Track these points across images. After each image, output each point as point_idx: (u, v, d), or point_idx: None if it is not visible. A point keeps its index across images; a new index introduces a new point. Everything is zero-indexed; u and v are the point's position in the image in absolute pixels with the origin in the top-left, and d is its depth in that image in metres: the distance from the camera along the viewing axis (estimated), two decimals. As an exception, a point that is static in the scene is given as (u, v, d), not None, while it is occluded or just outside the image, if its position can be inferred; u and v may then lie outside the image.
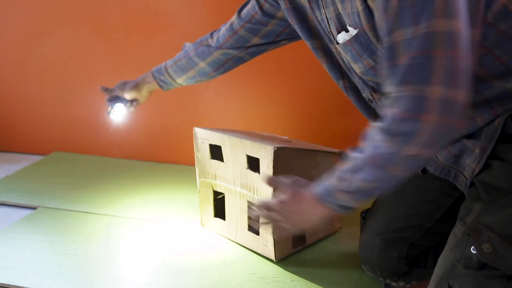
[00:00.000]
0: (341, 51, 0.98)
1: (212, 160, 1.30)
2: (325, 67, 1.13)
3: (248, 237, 1.26)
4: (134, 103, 1.44)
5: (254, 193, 1.21)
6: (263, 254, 1.24)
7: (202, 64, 1.31)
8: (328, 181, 0.89)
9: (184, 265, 1.21)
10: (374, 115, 1.09)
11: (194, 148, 1.34)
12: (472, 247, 0.85)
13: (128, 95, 1.41)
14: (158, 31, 1.75)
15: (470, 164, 0.93)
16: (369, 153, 0.82)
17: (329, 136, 1.67)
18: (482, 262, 0.84)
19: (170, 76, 1.36)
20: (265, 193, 1.17)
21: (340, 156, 1.30)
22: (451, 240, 0.92)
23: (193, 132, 1.33)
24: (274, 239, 1.18)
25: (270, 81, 1.69)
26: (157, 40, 1.76)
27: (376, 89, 1.01)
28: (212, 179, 1.32)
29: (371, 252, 1.10)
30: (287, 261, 1.22)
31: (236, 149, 1.22)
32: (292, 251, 1.24)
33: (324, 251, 1.27)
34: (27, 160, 1.96)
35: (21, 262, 1.23)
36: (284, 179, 0.96)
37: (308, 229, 0.98)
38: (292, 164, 1.18)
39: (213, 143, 1.28)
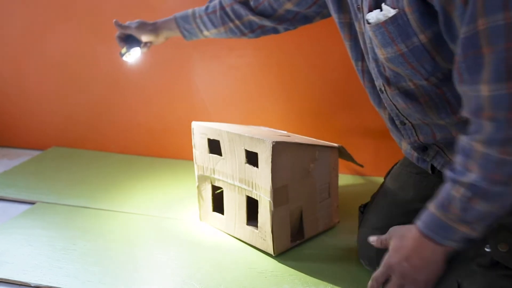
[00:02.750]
0: (371, 32, 0.90)
1: (210, 154, 1.30)
2: (346, 45, 1.09)
3: (247, 232, 1.26)
4: (148, 45, 1.36)
5: (252, 188, 1.21)
6: (262, 249, 1.24)
7: (237, 22, 1.24)
8: (435, 215, 0.81)
9: (182, 259, 1.22)
10: (384, 107, 1.06)
11: (192, 143, 1.34)
12: (487, 245, 0.84)
13: (144, 38, 1.33)
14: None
15: None
16: (484, 170, 0.75)
17: (328, 131, 1.67)
18: (495, 261, 0.83)
19: (198, 27, 1.28)
20: (264, 187, 1.17)
21: (339, 150, 1.30)
22: None
23: (191, 126, 1.33)
24: (272, 233, 1.19)
25: (269, 76, 1.69)
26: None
27: (391, 81, 0.97)
28: (211, 174, 1.32)
29: (369, 246, 1.09)
30: (286, 256, 1.22)
31: (235, 144, 1.22)
32: (290, 246, 1.24)
33: (323, 245, 1.27)
34: (26, 155, 1.95)
35: (20, 257, 1.23)
36: (382, 239, 0.91)
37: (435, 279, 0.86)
38: (291, 158, 1.18)
39: (211, 137, 1.28)
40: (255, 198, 1.21)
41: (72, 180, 1.69)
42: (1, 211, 1.50)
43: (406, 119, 1.02)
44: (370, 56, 0.99)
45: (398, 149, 1.59)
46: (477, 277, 0.84)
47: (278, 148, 1.13)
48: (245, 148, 1.20)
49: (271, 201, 1.16)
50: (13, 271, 1.17)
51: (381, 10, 0.86)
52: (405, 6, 0.82)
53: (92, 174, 1.74)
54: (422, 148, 1.06)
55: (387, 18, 0.85)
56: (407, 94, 0.97)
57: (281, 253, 1.23)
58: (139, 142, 1.91)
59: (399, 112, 1.02)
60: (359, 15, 0.96)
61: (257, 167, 1.18)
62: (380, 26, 0.87)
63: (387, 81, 0.97)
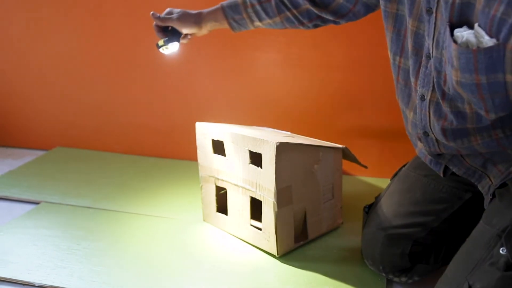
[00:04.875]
0: (454, 52, 0.79)
1: (214, 155, 1.30)
2: (387, 35, 1.02)
3: (251, 232, 1.26)
4: (189, 37, 1.25)
5: (256, 189, 1.21)
6: (265, 249, 1.24)
7: (294, 11, 1.15)
8: None
9: (185, 260, 1.22)
10: (412, 107, 1.01)
11: (196, 143, 1.34)
12: (502, 248, 0.84)
13: (186, 30, 1.22)
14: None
15: (502, 168, 0.93)
16: None
17: (331, 132, 1.67)
18: (510, 263, 0.82)
19: (249, 17, 1.18)
20: (268, 188, 1.17)
21: (343, 152, 1.30)
22: (474, 240, 0.91)
23: (196, 127, 1.33)
24: (276, 234, 1.19)
25: (273, 76, 1.69)
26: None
27: (447, 97, 0.89)
28: (215, 174, 1.32)
29: (374, 247, 1.09)
30: (289, 256, 1.22)
31: (238, 145, 1.22)
32: (294, 246, 1.24)
33: (326, 246, 1.27)
34: (30, 155, 1.96)
35: (24, 257, 1.23)
36: None
37: None
38: (295, 159, 1.18)
39: (215, 138, 1.28)
40: (259, 199, 1.21)
41: (77, 180, 1.69)
42: (6, 210, 1.51)
43: (433, 133, 0.98)
44: (432, 64, 0.90)
45: (403, 150, 1.59)
46: (491, 279, 0.83)
47: (282, 149, 1.13)
48: (249, 149, 1.20)
49: (275, 202, 1.16)
50: (17, 270, 1.17)
51: (472, 29, 0.77)
52: (510, 41, 0.72)
53: (97, 175, 1.74)
54: (438, 153, 1.04)
55: (481, 47, 0.75)
56: (457, 114, 0.91)
57: (285, 254, 1.22)
58: (143, 143, 1.92)
59: (429, 124, 0.97)
60: (426, 17, 0.88)
61: (261, 167, 1.18)
62: (470, 52, 0.76)
63: (443, 95, 0.90)
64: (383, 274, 1.11)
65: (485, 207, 0.98)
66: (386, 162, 1.63)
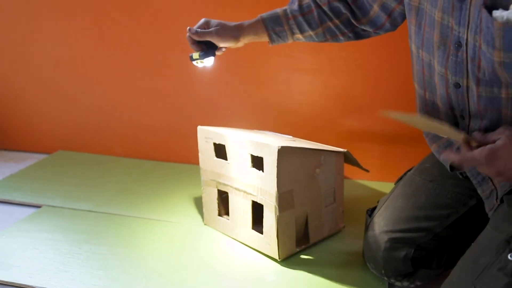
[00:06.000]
0: (497, 31, 0.82)
1: (216, 159, 1.30)
2: (410, 28, 1.03)
3: (252, 236, 1.26)
4: (224, 49, 1.21)
5: (258, 193, 1.21)
6: (267, 253, 1.23)
7: (336, 21, 1.15)
8: None
9: (187, 264, 1.22)
10: (440, 97, 1.00)
11: (198, 147, 1.34)
12: (510, 254, 0.84)
13: (224, 44, 1.17)
14: (161, 29, 1.75)
15: None
16: None
17: (333, 136, 1.67)
18: None
19: (290, 29, 1.16)
20: (269, 192, 1.17)
21: (344, 155, 1.30)
22: (481, 245, 0.91)
23: (197, 131, 1.33)
24: (278, 238, 1.18)
25: (274, 80, 1.69)
26: (160, 39, 1.76)
27: (482, 83, 0.90)
28: (216, 178, 1.32)
29: (376, 251, 1.09)
30: (291, 260, 1.22)
31: (240, 148, 1.22)
32: (296, 250, 1.24)
33: (328, 250, 1.26)
34: (32, 159, 1.96)
35: (26, 261, 1.23)
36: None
37: None
38: (296, 163, 1.18)
39: (217, 142, 1.28)
40: (261, 202, 1.21)
41: (78, 184, 1.69)
42: (7, 214, 1.51)
43: (469, 116, 0.97)
44: (468, 51, 0.90)
45: (404, 154, 1.59)
46: (499, 284, 0.83)
47: (284, 152, 1.13)
48: (251, 153, 1.20)
49: (277, 206, 1.16)
50: (19, 274, 1.17)
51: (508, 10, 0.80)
52: None
53: (98, 178, 1.74)
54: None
55: None
56: (491, 100, 0.91)
57: (286, 258, 1.22)
58: (145, 146, 1.92)
59: (468, 108, 0.96)
60: (457, 5, 0.89)
61: (263, 171, 1.18)
62: None
63: (477, 82, 0.91)
64: (385, 278, 1.10)
65: (486, 211, 0.98)
66: (387, 166, 1.63)
